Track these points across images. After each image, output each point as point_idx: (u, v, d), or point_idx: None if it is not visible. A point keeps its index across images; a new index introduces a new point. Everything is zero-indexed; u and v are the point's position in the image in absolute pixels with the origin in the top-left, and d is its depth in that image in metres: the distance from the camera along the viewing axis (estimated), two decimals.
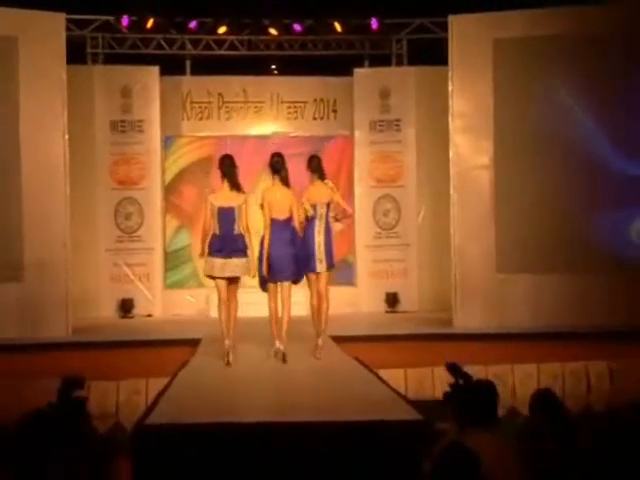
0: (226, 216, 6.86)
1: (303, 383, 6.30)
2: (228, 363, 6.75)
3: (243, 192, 6.95)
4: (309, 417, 4.91)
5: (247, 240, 6.93)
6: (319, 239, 7.13)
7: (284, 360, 6.83)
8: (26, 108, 9.74)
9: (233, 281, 6.99)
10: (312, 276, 7.22)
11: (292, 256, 6.94)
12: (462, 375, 3.88)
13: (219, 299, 7.00)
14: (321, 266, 7.14)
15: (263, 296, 7.24)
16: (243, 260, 6.89)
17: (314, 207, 7.14)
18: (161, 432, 4.61)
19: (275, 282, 7.00)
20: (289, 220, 6.95)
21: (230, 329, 6.94)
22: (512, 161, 10.09)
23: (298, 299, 7.87)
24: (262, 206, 6.96)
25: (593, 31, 9.86)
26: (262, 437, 4.55)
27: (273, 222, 6.92)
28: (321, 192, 7.21)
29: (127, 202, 12.00)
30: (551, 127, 10.00)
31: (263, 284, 7.16)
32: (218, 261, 6.84)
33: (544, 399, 4.17)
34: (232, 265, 6.85)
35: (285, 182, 6.99)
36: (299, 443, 4.53)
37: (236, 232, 6.88)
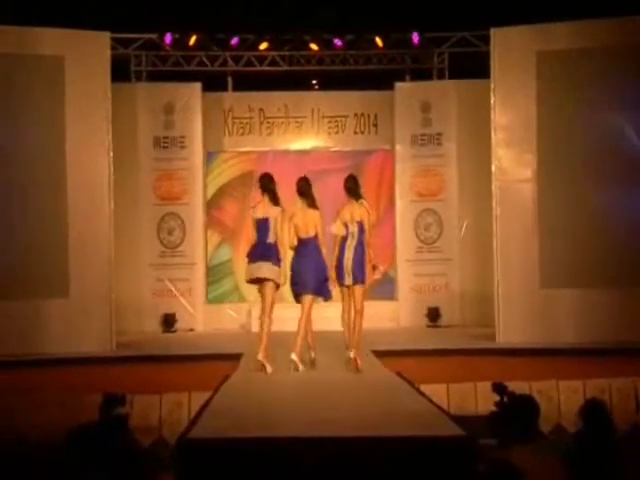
0: (262, 226, 7.35)
1: (345, 398, 6.29)
2: (265, 370, 7.18)
3: (280, 206, 7.40)
4: (351, 432, 4.89)
5: (279, 249, 7.32)
6: (348, 254, 7.35)
7: (296, 369, 7.17)
8: (72, 125, 9.92)
9: (265, 287, 7.33)
10: (344, 290, 7.52)
11: (313, 271, 7.34)
12: (508, 395, 3.85)
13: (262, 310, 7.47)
14: (348, 279, 7.36)
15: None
16: (272, 266, 7.27)
17: (345, 225, 7.43)
18: (204, 446, 4.63)
19: (300, 295, 7.40)
20: (313, 238, 7.37)
21: (264, 342, 7.31)
22: (555, 174, 9.98)
23: (332, 314, 8.24)
24: (291, 229, 7.45)
25: (638, 42, 9.74)
26: (305, 452, 4.55)
27: (300, 241, 7.40)
28: (353, 212, 7.46)
29: (169, 217, 12.14)
30: (595, 139, 9.88)
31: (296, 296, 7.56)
32: (251, 266, 7.34)
33: (595, 408, 4.09)
34: (264, 268, 7.26)
35: (311, 204, 7.45)
36: (342, 459, 4.52)
37: (269, 241, 7.32)
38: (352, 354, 7.22)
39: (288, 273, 7.37)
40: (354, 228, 7.40)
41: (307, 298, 7.36)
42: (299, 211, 7.47)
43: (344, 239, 7.43)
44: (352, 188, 7.58)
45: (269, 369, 7.17)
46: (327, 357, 8.23)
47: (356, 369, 7.14)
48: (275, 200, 7.39)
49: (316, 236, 7.37)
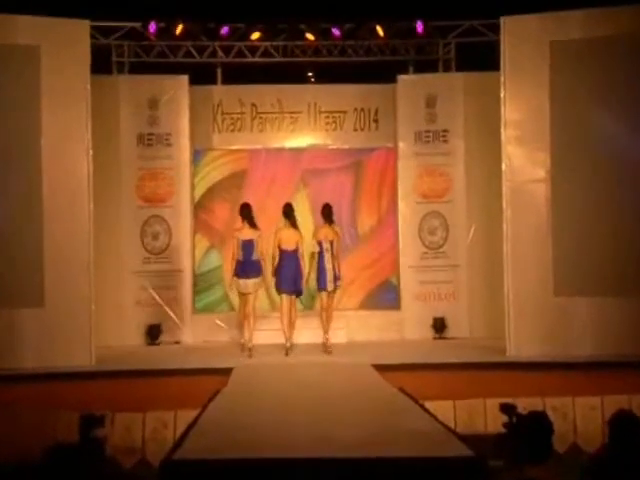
0: (248, 246, 10.07)
1: (342, 416, 6.28)
2: (250, 355, 10.02)
3: (259, 229, 10.17)
4: (350, 453, 4.88)
5: (262, 263, 10.16)
6: (329, 267, 10.28)
7: (290, 350, 10.17)
8: (48, 120, 9.90)
9: (249, 297, 10.26)
10: (323, 294, 10.43)
11: (293, 276, 10.18)
12: (517, 416, 3.85)
13: (240, 309, 10.78)
14: (331, 285, 10.35)
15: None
16: (258, 279, 10.21)
17: (319, 243, 10.32)
18: (190, 468, 4.62)
19: (282, 293, 10.25)
20: (294, 251, 10.19)
21: (249, 333, 10.26)
22: (571, 174, 10.00)
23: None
24: (275, 241, 10.26)
25: None
26: (302, 474, 4.53)
27: (283, 252, 10.20)
28: (327, 233, 10.39)
29: (154, 221, 12.12)
30: (613, 136, 9.89)
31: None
32: (242, 281, 10.17)
33: (625, 420, 4.07)
34: (250, 284, 10.15)
35: (293, 224, 10.24)
36: None
37: (254, 258, 10.09)
38: (327, 337, 10.40)
39: (271, 278, 10.34)
40: (327, 245, 10.29)
41: (288, 297, 10.23)
42: (284, 228, 10.25)
43: (320, 254, 10.27)
44: (327, 214, 10.45)
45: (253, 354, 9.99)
46: (323, 366, 8.23)
47: (326, 349, 10.27)
48: (254, 225, 10.12)
49: (296, 249, 10.14)
